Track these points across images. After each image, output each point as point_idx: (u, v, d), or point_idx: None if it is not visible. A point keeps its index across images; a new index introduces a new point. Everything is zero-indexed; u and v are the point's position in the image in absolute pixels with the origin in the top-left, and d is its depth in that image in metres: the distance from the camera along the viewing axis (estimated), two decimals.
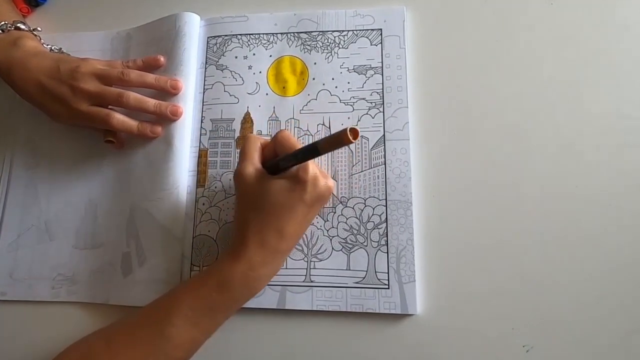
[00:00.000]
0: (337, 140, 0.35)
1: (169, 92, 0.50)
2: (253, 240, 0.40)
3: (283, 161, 0.41)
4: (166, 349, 0.38)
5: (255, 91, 0.50)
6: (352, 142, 0.34)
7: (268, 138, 0.45)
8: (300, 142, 0.43)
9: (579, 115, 0.46)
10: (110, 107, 0.48)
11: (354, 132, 0.34)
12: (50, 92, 0.47)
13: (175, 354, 0.39)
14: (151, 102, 0.48)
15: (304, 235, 0.45)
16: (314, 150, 0.37)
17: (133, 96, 0.48)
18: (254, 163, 0.42)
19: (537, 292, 0.42)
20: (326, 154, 0.47)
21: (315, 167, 0.41)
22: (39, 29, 0.53)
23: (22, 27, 0.51)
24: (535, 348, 0.41)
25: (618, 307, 0.41)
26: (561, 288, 0.42)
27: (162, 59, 0.51)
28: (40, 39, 0.52)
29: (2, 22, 0.50)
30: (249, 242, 0.40)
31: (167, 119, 0.49)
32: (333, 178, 0.47)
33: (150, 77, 0.49)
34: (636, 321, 0.40)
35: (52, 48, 0.53)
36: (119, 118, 0.47)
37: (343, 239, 0.45)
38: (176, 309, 0.39)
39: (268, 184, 0.40)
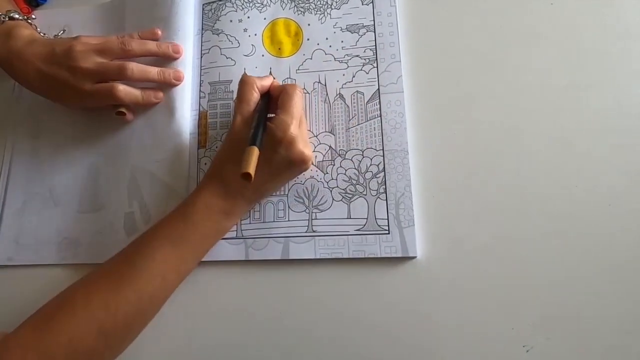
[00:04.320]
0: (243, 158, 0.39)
1: (171, 57, 0.50)
2: (220, 179, 0.43)
3: (255, 119, 0.43)
4: (136, 282, 0.40)
5: (252, 53, 0.51)
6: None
7: (266, 81, 0.46)
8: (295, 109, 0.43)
9: (579, 115, 0.46)
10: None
11: (244, 176, 0.38)
12: (51, 78, 0.46)
13: (145, 289, 0.40)
14: (154, 71, 0.49)
15: (305, 188, 0.47)
16: (253, 142, 0.40)
17: (136, 67, 0.47)
18: (248, 110, 0.43)
19: (537, 292, 0.42)
20: (323, 110, 0.49)
21: (296, 129, 0.41)
22: (33, 16, 0.53)
23: (16, 16, 0.50)
24: (535, 348, 0.40)
25: (618, 307, 0.41)
26: (561, 288, 0.42)
27: (159, 31, 0.51)
28: (36, 27, 0.52)
29: None
30: (217, 180, 0.43)
31: (171, 85, 0.50)
32: (331, 132, 0.48)
33: (152, 44, 0.50)
34: (636, 321, 0.40)
35: (50, 35, 0.53)
36: (125, 89, 0.47)
37: (343, 189, 0.46)
38: (146, 240, 0.42)
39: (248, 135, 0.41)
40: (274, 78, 0.49)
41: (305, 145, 0.43)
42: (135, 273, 0.40)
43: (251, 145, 0.39)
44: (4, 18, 0.49)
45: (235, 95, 0.50)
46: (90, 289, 0.40)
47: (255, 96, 0.44)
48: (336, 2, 0.52)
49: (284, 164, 0.42)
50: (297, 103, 0.43)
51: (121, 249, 0.43)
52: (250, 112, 0.43)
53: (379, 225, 0.45)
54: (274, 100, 0.45)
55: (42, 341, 0.38)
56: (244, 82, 0.44)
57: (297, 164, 0.43)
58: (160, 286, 0.41)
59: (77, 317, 0.38)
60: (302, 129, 0.44)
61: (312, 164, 0.47)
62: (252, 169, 0.38)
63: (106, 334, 0.39)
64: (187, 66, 0.51)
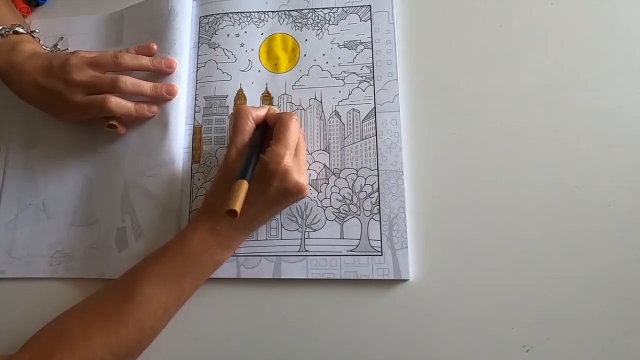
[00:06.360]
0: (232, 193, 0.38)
1: (164, 72, 0.50)
2: (217, 213, 0.42)
3: (250, 149, 0.42)
4: (138, 318, 0.40)
5: (248, 68, 0.51)
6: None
7: (262, 112, 0.45)
8: (302, 135, 0.44)
9: (579, 115, 0.46)
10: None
11: (230, 213, 0.37)
12: (46, 90, 0.47)
13: (147, 322, 0.40)
14: (147, 85, 0.49)
15: (298, 206, 0.46)
16: (242, 176, 0.39)
17: (130, 80, 0.48)
18: (244, 141, 0.43)
19: (536, 292, 0.42)
20: (318, 128, 0.48)
21: (290, 160, 0.41)
22: (37, 30, 0.53)
23: (21, 30, 0.50)
24: (535, 348, 0.41)
25: (617, 306, 0.41)
26: (561, 288, 0.42)
27: (155, 46, 0.51)
28: (40, 40, 0.53)
29: (1, 27, 0.49)
30: (214, 214, 0.42)
31: (164, 99, 0.50)
32: (325, 150, 0.47)
33: (145, 60, 0.50)
34: (636, 321, 0.41)
35: (51, 48, 0.53)
36: (117, 101, 0.47)
37: (336, 209, 0.46)
38: (145, 276, 0.41)
39: None
40: (272, 98, 0.49)
41: (300, 175, 0.42)
42: (136, 311, 0.40)
43: (240, 179, 0.39)
44: (8, 31, 0.50)
45: (230, 111, 0.50)
46: (90, 329, 0.39)
47: (250, 126, 0.44)
48: (334, 18, 0.51)
49: (278, 195, 0.42)
50: (293, 132, 0.42)
51: (112, 271, 0.44)
52: (245, 143, 0.43)
53: (371, 247, 0.44)
54: (270, 129, 0.44)
55: None
56: (239, 113, 0.44)
57: (293, 195, 0.42)
58: (161, 317, 0.42)
59: (76, 356, 0.38)
60: (299, 157, 0.44)
61: (311, 186, 0.46)
62: (238, 206, 0.37)
63: None
64: (183, 79, 0.51)
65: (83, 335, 0.39)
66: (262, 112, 0.45)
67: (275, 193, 0.41)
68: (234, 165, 0.42)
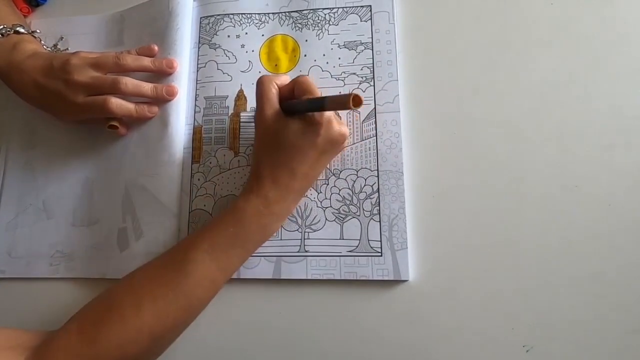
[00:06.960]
0: (340, 102, 0.37)
1: (165, 72, 0.50)
2: (267, 178, 0.42)
3: (298, 104, 0.42)
4: (186, 286, 0.40)
5: (248, 69, 0.51)
6: (351, 109, 0.36)
7: (283, 78, 0.45)
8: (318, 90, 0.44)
9: (579, 115, 0.45)
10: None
11: (356, 100, 0.36)
12: (46, 90, 0.47)
13: (195, 292, 0.40)
14: (148, 86, 0.49)
15: (298, 207, 0.46)
16: (321, 104, 0.39)
17: (130, 81, 0.48)
18: (273, 105, 0.43)
19: (536, 292, 0.42)
20: None
21: (331, 112, 0.42)
22: (38, 31, 0.53)
23: (22, 30, 0.51)
24: (535, 348, 0.41)
25: (618, 307, 0.41)
26: (561, 288, 0.42)
27: (156, 47, 0.52)
28: (41, 40, 0.53)
29: (2, 26, 0.50)
30: (264, 180, 0.42)
31: (165, 100, 0.50)
32: None
33: (147, 60, 0.50)
34: (636, 321, 0.40)
35: (51, 48, 0.53)
36: (117, 102, 0.47)
37: (336, 209, 0.46)
38: (196, 245, 0.41)
39: (284, 125, 0.42)
40: None
41: (339, 123, 0.43)
42: (185, 279, 0.40)
43: (323, 97, 0.39)
44: (9, 31, 0.50)
45: (230, 111, 0.50)
46: (139, 294, 0.40)
47: (275, 92, 0.44)
48: (334, 18, 0.51)
49: (326, 144, 0.42)
50: (315, 87, 0.43)
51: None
52: (277, 108, 0.43)
53: (371, 247, 0.44)
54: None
55: (90, 347, 0.38)
56: (263, 82, 0.44)
57: (338, 142, 0.43)
58: (209, 288, 0.42)
59: (127, 324, 0.38)
60: None
61: (312, 187, 0.47)
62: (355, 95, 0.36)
63: (155, 338, 0.39)
64: (183, 79, 0.51)
65: (133, 304, 0.39)
66: (284, 78, 0.45)
67: (323, 143, 0.42)
68: (272, 130, 0.42)
